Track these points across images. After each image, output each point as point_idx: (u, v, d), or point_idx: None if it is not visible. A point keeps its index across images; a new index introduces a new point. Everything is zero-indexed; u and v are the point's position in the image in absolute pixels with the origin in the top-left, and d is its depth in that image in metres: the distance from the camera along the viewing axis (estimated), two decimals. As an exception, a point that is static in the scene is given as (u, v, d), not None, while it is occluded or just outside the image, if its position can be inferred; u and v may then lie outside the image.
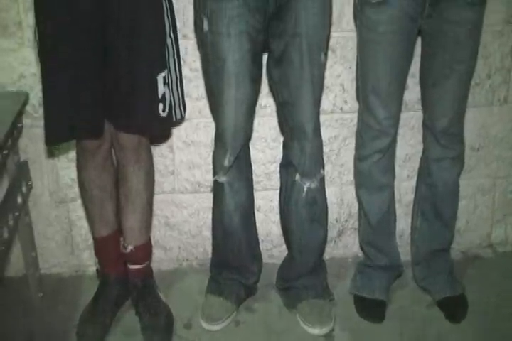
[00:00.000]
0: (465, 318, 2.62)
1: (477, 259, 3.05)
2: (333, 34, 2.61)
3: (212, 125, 2.58)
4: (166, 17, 2.29)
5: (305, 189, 2.49)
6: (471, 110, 2.71)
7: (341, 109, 2.79)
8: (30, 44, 2.59)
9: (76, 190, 2.73)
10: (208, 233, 2.85)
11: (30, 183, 2.72)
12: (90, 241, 2.76)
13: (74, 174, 2.62)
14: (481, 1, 2.32)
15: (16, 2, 2.57)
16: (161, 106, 2.29)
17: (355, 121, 2.64)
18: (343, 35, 2.68)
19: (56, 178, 2.82)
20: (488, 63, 2.77)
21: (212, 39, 2.27)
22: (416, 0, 2.26)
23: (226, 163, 2.44)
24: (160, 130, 2.49)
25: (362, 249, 2.80)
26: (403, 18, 2.28)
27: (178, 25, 2.41)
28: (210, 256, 2.78)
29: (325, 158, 2.58)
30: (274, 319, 2.66)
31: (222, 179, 2.50)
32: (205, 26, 2.27)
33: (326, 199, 2.59)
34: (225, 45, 2.25)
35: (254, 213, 2.68)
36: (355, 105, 2.67)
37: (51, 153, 2.76)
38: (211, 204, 2.63)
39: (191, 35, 2.61)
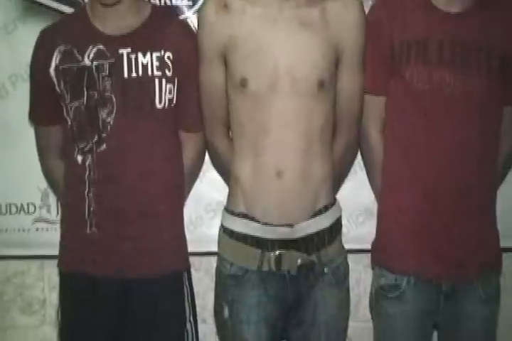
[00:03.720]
0: None
1: None
2: (350, 323, 2.60)
3: None
4: (186, 302, 2.33)
5: None
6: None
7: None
8: (51, 321, 2.63)
9: None
10: None
11: None
12: None
13: None
14: (494, 297, 2.36)
15: (41, 280, 2.65)
16: None
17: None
18: (360, 325, 2.71)
19: None
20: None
21: (232, 325, 2.28)
22: (431, 296, 2.30)
23: None
24: None
25: None
26: (419, 312, 2.30)
27: (198, 309, 2.44)
28: None
29: None
30: None
31: None
32: (226, 313, 2.29)
33: None
34: (244, 331, 2.26)
35: None
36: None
37: None
38: None
39: (210, 319, 2.65)
